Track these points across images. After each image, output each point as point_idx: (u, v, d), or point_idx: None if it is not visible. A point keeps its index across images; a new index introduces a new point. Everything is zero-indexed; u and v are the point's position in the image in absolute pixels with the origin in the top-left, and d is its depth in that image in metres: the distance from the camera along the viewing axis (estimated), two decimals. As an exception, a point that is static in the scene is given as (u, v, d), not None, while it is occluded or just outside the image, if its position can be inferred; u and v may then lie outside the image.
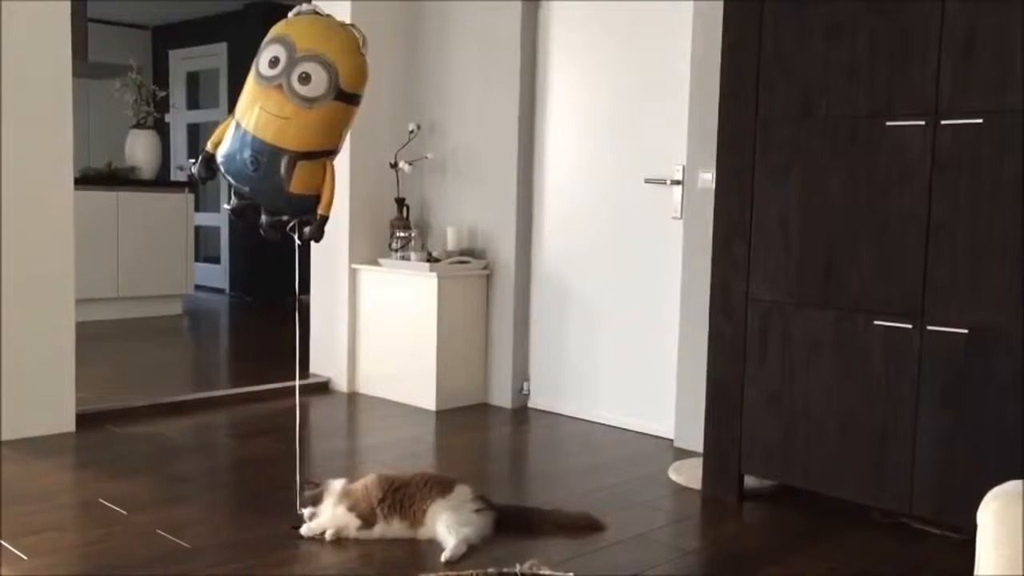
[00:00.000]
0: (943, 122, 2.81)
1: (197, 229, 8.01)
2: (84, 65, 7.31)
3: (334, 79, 2.68)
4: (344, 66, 2.71)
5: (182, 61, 9.47)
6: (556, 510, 3.10)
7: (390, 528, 2.85)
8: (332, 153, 2.81)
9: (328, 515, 2.85)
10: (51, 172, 3.89)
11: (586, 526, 3.04)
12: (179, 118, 9.42)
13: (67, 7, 3.89)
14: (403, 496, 2.87)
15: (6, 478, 3.41)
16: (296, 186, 2.73)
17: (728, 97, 3.29)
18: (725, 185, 3.31)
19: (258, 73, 2.72)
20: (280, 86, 2.67)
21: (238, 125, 2.75)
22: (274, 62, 2.69)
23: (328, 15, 2.84)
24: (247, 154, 2.72)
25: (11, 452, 3.70)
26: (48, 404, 3.96)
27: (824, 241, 3.08)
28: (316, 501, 2.88)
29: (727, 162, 3.30)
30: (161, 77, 9.32)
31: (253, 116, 2.72)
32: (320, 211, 2.81)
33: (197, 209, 7.81)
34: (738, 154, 3.27)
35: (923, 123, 2.85)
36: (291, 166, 2.71)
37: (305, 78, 2.66)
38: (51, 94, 3.87)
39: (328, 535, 2.83)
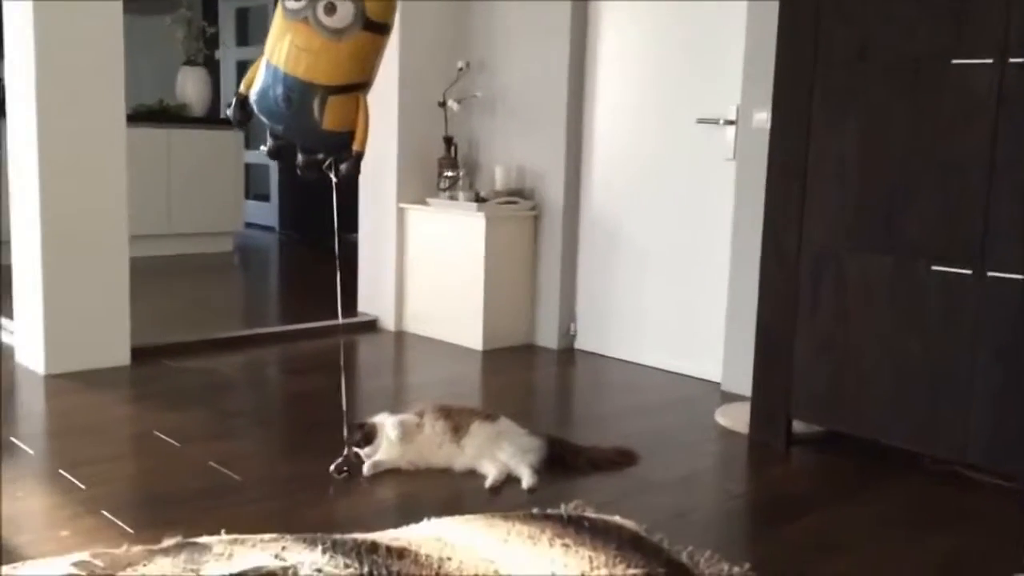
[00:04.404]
0: (1012, 60, 2.70)
1: (247, 167, 8.03)
2: (134, 1, 7.31)
3: (360, 8, 2.64)
4: None
5: (231, -3, 9.44)
6: (593, 446, 3.12)
7: (434, 429, 2.94)
8: (365, 87, 2.77)
9: (384, 447, 2.91)
10: (103, 109, 3.91)
11: (619, 460, 3.07)
12: (229, 55, 9.41)
13: (117, -58, 3.88)
14: (450, 411, 3.03)
15: (65, 410, 3.51)
16: (329, 122, 2.71)
17: (786, 36, 3.19)
18: (781, 126, 3.23)
19: (284, 7, 2.70)
20: (307, 19, 2.64)
21: (268, 62, 2.73)
22: None
23: None
24: (279, 91, 2.70)
25: (69, 384, 3.79)
26: (104, 338, 4.03)
27: (883, 184, 2.99)
28: (369, 439, 2.91)
29: (784, 102, 3.21)
30: (211, 13, 9.29)
31: (282, 51, 2.69)
32: (355, 147, 2.78)
33: (247, 147, 7.84)
34: (795, 94, 3.17)
35: (991, 61, 2.74)
36: (323, 102, 2.68)
37: (330, 8, 2.63)
38: (102, 30, 3.87)
39: (367, 468, 2.87)
